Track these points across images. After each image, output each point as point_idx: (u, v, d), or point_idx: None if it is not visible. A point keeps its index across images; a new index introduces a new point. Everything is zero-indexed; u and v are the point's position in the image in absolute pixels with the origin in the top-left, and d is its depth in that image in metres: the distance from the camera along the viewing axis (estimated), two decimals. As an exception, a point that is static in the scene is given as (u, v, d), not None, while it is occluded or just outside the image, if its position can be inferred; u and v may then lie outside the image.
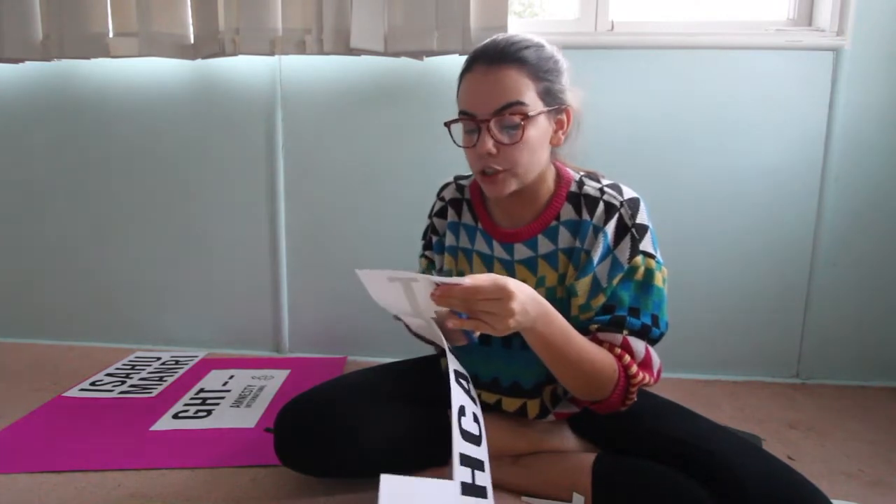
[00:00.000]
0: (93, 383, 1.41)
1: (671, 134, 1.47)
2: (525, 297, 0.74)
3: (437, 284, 0.72)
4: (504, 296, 0.71)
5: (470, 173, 1.02)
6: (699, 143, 1.47)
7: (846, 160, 1.44)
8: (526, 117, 0.82)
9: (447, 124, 0.88)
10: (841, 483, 1.03)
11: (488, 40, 0.86)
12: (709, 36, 1.43)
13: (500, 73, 0.82)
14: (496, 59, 0.82)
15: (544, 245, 0.92)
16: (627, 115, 1.45)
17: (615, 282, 0.86)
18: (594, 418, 0.92)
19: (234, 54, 1.46)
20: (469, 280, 0.72)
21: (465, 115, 0.85)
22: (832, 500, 0.75)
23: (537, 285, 0.92)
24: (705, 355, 1.54)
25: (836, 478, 1.05)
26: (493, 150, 0.83)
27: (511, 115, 0.82)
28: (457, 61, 1.45)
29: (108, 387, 1.39)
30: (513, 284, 0.72)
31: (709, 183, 1.48)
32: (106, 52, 1.49)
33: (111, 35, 1.51)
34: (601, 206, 0.88)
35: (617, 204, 0.87)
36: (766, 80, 1.43)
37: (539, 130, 0.85)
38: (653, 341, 0.88)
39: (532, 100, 0.83)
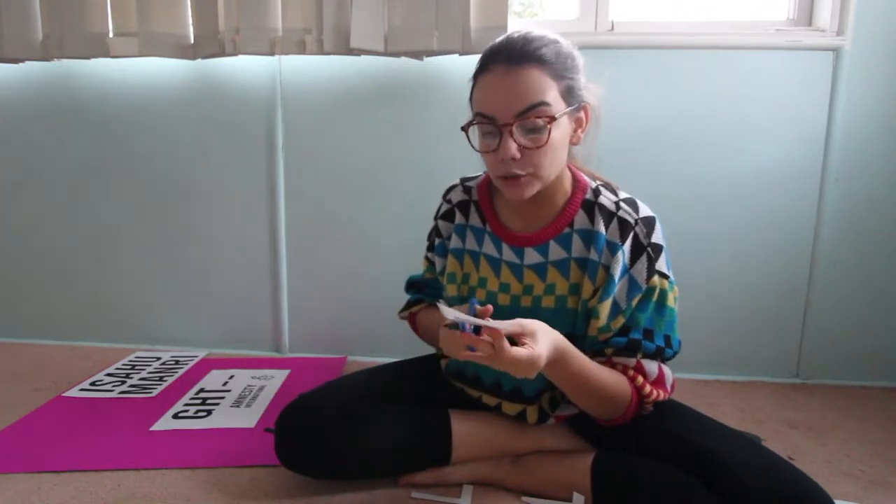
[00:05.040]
0: (93, 383, 1.41)
1: (671, 134, 1.47)
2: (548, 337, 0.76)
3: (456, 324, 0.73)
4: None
5: (476, 174, 1.02)
6: (699, 143, 1.47)
7: (846, 160, 1.44)
8: (552, 119, 0.79)
9: (464, 128, 0.85)
10: (841, 483, 1.03)
11: (502, 38, 0.82)
12: (709, 36, 1.43)
13: (522, 73, 0.78)
14: (516, 58, 0.78)
15: (556, 251, 0.90)
16: (627, 114, 1.45)
17: (633, 303, 0.86)
18: (594, 419, 0.92)
19: (234, 54, 1.45)
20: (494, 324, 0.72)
21: (483, 118, 0.82)
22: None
23: (546, 292, 0.91)
24: (705, 355, 1.54)
25: (836, 478, 1.05)
26: (518, 155, 0.80)
27: (536, 118, 0.79)
28: (457, 61, 1.45)
29: (108, 387, 1.39)
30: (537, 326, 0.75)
31: (708, 183, 1.48)
32: (106, 52, 1.49)
33: (111, 35, 1.51)
34: (615, 221, 0.87)
35: (632, 221, 0.86)
36: (766, 80, 1.43)
37: (562, 131, 0.82)
38: (666, 361, 0.89)
39: (555, 99, 0.80)
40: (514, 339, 0.73)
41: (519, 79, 0.78)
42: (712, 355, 1.54)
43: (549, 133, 0.80)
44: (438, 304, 0.74)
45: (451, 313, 0.71)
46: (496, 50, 0.81)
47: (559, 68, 0.80)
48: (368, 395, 0.98)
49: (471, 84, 0.85)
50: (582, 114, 0.86)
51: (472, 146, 0.86)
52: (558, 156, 0.84)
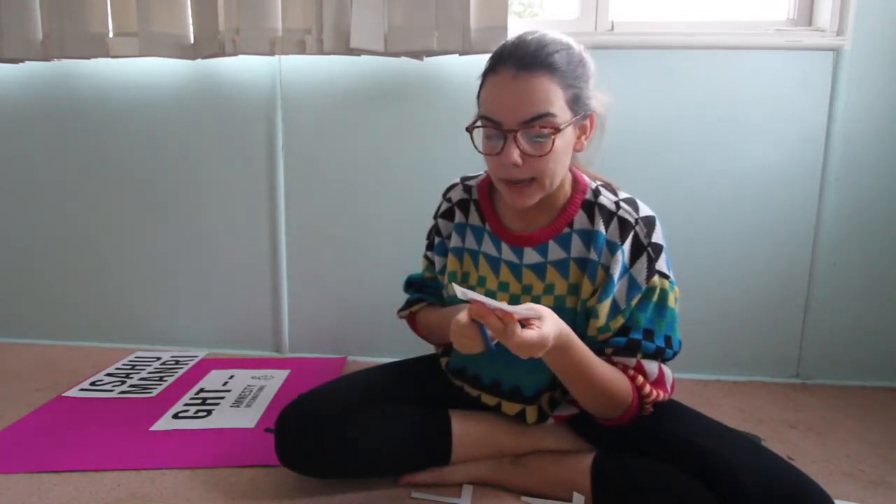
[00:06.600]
0: (93, 383, 1.41)
1: (671, 134, 1.47)
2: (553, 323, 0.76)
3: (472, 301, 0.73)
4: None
5: (476, 173, 1.02)
6: (699, 144, 1.47)
7: (846, 161, 1.44)
8: (556, 130, 0.79)
9: (469, 129, 0.84)
10: (841, 483, 1.03)
11: (515, 39, 0.81)
12: (709, 36, 1.43)
13: (531, 80, 0.77)
14: (526, 63, 0.77)
15: (555, 252, 0.90)
16: (627, 115, 1.44)
17: (633, 303, 0.86)
18: (594, 418, 0.93)
19: (234, 54, 1.45)
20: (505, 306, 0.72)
21: (489, 122, 0.81)
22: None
23: (545, 292, 0.91)
24: (705, 355, 1.54)
25: (836, 478, 1.05)
26: (520, 162, 0.80)
27: (541, 128, 0.78)
28: (457, 61, 1.45)
29: (108, 387, 1.39)
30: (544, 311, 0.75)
31: (708, 183, 1.48)
32: (106, 52, 1.49)
33: (111, 35, 1.51)
34: (615, 220, 0.86)
35: (632, 221, 0.86)
36: (766, 80, 1.43)
37: (566, 139, 0.82)
38: (666, 361, 0.89)
39: (561, 109, 0.79)
40: (523, 323, 0.74)
41: (527, 85, 0.78)
42: (712, 355, 1.54)
43: (553, 142, 0.79)
44: (453, 284, 0.74)
45: (465, 292, 0.72)
46: (507, 51, 0.80)
47: (568, 76, 0.80)
48: (368, 395, 0.98)
49: (479, 81, 0.85)
50: (587, 121, 0.86)
51: (475, 147, 0.85)
52: (561, 163, 0.84)
